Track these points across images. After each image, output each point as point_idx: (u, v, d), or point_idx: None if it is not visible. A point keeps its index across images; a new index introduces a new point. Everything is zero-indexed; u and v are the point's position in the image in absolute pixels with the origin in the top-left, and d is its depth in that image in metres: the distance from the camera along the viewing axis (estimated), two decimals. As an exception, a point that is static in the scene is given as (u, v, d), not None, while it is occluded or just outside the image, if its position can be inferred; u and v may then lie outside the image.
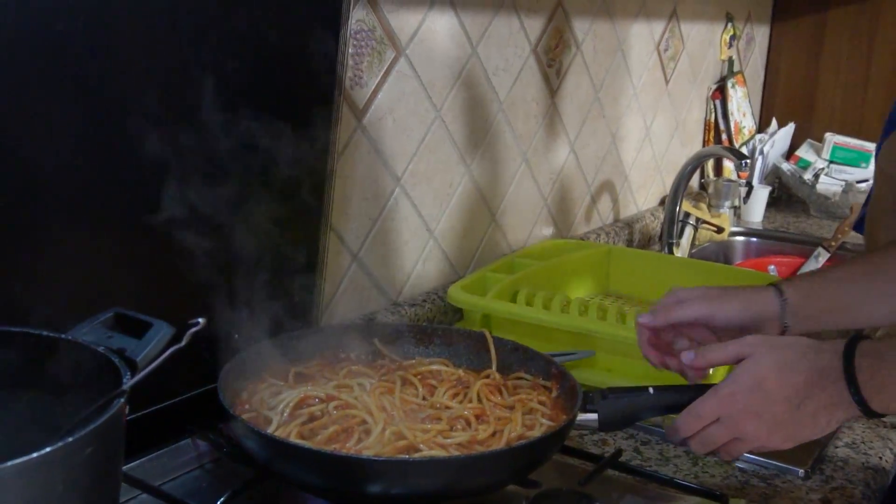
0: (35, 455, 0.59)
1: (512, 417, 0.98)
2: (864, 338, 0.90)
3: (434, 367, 1.08)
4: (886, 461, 1.15)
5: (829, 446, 1.16)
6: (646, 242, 2.14)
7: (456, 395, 1.03)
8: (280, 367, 1.04)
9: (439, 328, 1.16)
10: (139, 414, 0.98)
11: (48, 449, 0.59)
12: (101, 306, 0.80)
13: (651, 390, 0.97)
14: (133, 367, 0.72)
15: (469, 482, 0.88)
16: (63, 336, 0.76)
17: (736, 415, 0.90)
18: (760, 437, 0.91)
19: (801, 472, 1.09)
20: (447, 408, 1.00)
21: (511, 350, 1.11)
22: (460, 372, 1.08)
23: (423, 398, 1.02)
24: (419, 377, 1.05)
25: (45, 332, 0.76)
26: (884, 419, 1.25)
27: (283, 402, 0.96)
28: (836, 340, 0.91)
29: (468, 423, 0.97)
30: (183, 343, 0.70)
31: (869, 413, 0.88)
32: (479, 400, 1.01)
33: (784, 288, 1.03)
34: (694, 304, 1.02)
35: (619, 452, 1.06)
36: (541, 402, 1.02)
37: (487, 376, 1.06)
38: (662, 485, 1.03)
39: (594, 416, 0.96)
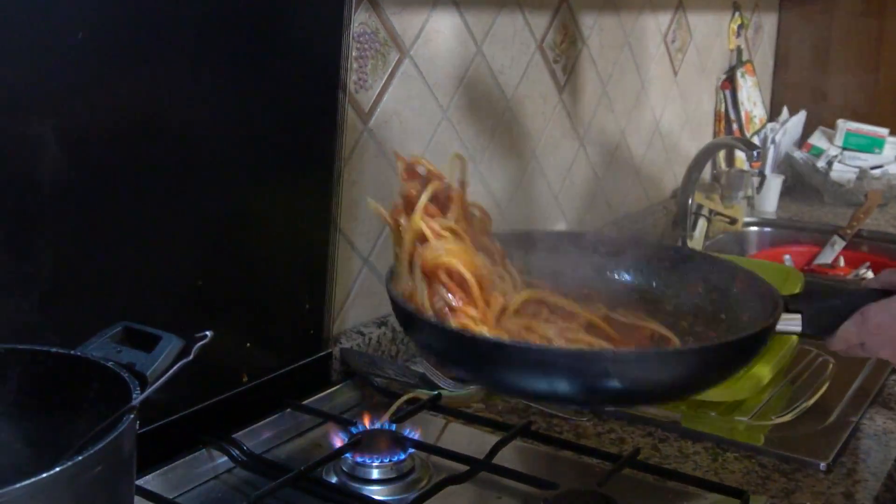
0: (45, 475, 0.58)
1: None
2: None
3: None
4: (909, 452, 1.13)
5: (850, 438, 1.15)
6: (659, 236, 2.12)
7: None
8: None
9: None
10: (152, 427, 0.98)
11: (57, 469, 0.58)
12: (110, 320, 0.79)
13: (856, 291, 0.93)
14: (143, 382, 0.72)
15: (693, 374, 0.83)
16: (72, 352, 0.75)
17: (877, 345, 0.90)
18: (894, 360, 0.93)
19: (822, 465, 1.08)
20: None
21: None
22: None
23: None
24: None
25: (53, 349, 0.75)
26: (905, 409, 1.23)
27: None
28: None
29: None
30: (191, 357, 0.70)
31: None
32: None
33: None
34: None
35: (637, 451, 1.05)
36: None
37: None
38: (682, 482, 1.01)
39: (797, 316, 0.91)
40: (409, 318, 0.88)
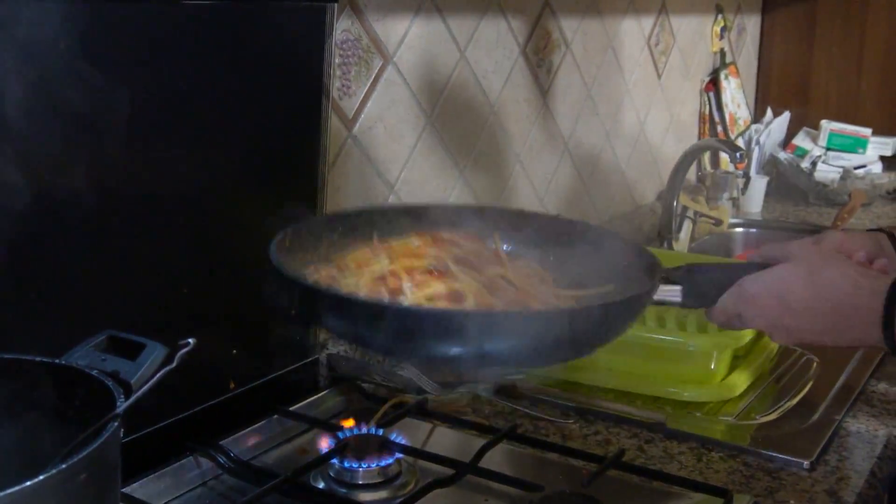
0: (28, 483, 0.58)
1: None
2: None
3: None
4: (892, 449, 1.14)
5: (834, 437, 1.15)
6: (645, 238, 2.13)
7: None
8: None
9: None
10: (139, 434, 0.98)
11: (41, 477, 0.59)
12: (96, 328, 0.80)
13: (736, 264, 0.95)
14: (127, 390, 0.72)
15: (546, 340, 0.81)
16: (57, 361, 0.75)
17: (754, 317, 0.91)
18: (770, 333, 0.94)
19: (805, 463, 1.08)
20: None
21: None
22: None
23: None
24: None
25: (38, 358, 0.75)
26: (887, 405, 1.24)
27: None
28: (877, 276, 0.88)
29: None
30: (174, 364, 0.70)
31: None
32: None
33: None
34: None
35: (622, 452, 1.06)
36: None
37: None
38: (666, 482, 1.02)
39: (678, 287, 0.92)
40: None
